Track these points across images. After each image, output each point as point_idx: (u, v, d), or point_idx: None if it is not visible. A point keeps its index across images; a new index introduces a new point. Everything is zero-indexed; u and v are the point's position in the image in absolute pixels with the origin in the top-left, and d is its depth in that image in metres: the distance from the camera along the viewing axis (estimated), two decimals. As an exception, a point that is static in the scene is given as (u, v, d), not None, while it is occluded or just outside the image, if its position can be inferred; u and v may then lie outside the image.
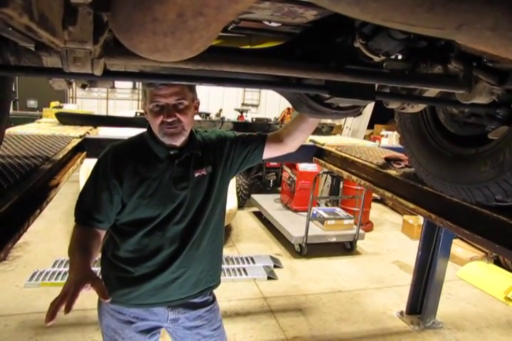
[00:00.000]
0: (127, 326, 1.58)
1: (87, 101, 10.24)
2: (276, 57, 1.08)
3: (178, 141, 1.47)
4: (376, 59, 1.07)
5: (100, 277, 1.63)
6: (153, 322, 1.63)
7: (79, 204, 1.48)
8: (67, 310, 1.04)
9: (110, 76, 0.94)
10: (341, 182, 5.92)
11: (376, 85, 1.25)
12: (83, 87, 1.13)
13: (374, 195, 5.87)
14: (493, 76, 1.09)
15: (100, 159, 1.50)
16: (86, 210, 1.45)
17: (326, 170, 4.11)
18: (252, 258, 4.47)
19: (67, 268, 3.88)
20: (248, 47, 1.38)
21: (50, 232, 4.83)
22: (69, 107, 7.96)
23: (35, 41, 0.60)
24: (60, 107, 7.49)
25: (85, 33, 0.57)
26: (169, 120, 1.40)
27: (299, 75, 1.08)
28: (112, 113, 9.27)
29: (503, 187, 1.30)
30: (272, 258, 4.57)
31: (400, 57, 1.24)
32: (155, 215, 1.48)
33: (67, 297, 1.07)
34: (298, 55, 1.13)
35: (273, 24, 1.13)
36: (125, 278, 1.54)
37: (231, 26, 1.19)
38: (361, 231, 4.97)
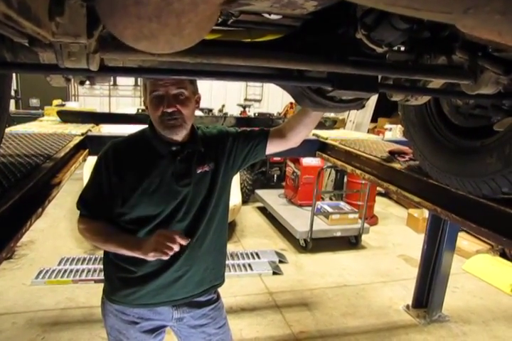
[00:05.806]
0: (131, 326, 1.58)
1: (89, 98, 10.24)
2: (276, 50, 1.06)
3: (179, 135, 1.45)
4: (379, 50, 1.05)
5: (103, 277, 1.63)
6: (157, 321, 1.62)
7: (82, 201, 1.50)
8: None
9: (107, 71, 0.92)
10: (345, 177, 5.91)
11: (379, 77, 1.23)
12: (81, 83, 1.11)
13: (378, 188, 5.85)
14: (499, 65, 1.06)
15: (101, 155, 1.49)
16: (90, 208, 1.49)
17: (329, 164, 4.09)
18: (257, 254, 4.47)
19: (72, 266, 3.91)
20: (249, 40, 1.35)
21: (55, 230, 4.84)
22: (71, 105, 7.94)
23: (23, 34, 0.59)
24: (62, 105, 7.48)
25: (78, 26, 0.56)
26: (169, 110, 1.39)
27: (299, 67, 1.06)
28: (114, 110, 9.27)
29: (510, 179, 1.28)
30: (277, 253, 4.56)
31: (403, 48, 1.21)
32: (157, 212, 1.47)
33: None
34: (299, 47, 1.11)
35: (273, 16, 1.10)
36: (128, 278, 1.53)
37: (231, 20, 1.17)
38: (366, 225, 4.96)
